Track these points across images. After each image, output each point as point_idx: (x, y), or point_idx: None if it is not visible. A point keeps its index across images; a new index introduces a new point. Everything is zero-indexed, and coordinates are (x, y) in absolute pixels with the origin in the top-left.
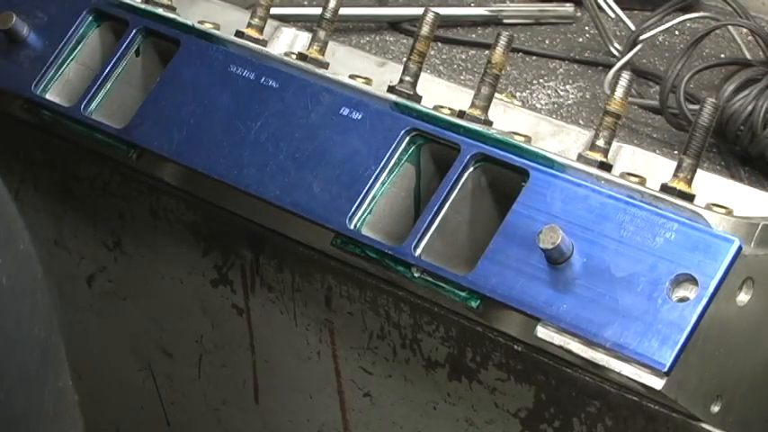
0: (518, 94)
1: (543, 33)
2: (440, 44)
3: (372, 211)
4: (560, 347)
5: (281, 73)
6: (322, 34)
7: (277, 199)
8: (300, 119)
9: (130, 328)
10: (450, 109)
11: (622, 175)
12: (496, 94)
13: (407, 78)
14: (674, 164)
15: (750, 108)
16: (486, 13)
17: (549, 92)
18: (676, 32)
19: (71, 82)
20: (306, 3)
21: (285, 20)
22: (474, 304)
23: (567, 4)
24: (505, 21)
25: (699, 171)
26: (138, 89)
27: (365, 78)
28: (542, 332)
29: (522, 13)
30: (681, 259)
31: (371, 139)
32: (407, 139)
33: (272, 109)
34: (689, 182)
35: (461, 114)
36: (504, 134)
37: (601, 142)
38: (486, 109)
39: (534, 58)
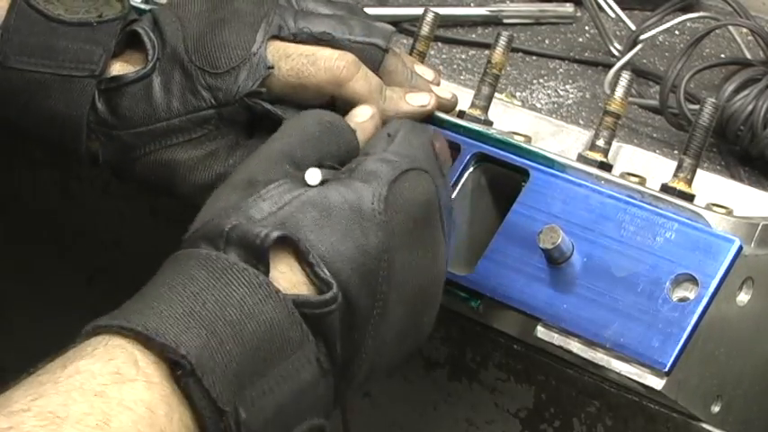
0: (518, 94)
1: (543, 33)
2: (440, 44)
3: None
4: (560, 347)
5: None
6: None
7: None
8: None
9: None
10: None
11: (622, 175)
12: (496, 94)
13: None
14: (674, 164)
15: (750, 108)
16: (486, 13)
17: (549, 92)
18: (676, 32)
19: None
20: None
21: None
22: (474, 304)
23: (567, 4)
24: (505, 21)
25: (699, 171)
26: None
27: None
28: (542, 332)
29: (522, 13)
30: (681, 259)
31: None
32: None
33: None
34: (689, 182)
35: (461, 114)
36: (504, 134)
37: (601, 142)
38: (486, 109)
39: (534, 58)
